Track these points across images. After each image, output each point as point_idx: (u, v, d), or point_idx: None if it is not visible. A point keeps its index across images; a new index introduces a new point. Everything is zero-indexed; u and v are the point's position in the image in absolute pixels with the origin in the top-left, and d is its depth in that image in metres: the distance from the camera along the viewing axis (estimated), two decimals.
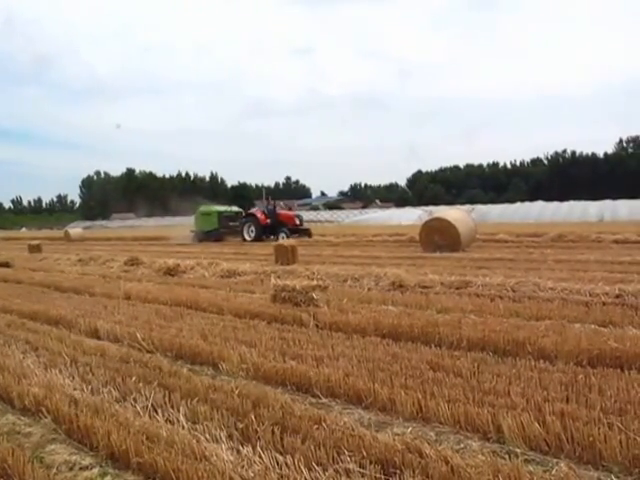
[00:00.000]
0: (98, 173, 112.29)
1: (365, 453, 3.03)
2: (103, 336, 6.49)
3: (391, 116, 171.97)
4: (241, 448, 3.21)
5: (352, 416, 3.79)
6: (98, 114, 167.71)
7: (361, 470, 2.87)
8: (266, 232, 27.54)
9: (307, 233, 27.77)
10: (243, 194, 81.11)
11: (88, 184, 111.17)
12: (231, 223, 30.06)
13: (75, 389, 4.42)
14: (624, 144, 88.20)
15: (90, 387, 4.46)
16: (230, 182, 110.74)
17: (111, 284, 10.90)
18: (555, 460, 3.05)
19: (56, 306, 8.43)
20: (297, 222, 28.37)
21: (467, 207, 47.36)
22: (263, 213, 28.22)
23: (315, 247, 21.53)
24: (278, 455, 3.08)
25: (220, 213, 30.66)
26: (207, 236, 29.11)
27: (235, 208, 32.71)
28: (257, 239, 27.08)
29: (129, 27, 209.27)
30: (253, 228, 27.83)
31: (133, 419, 3.70)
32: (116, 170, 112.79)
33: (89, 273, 13.56)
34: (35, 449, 3.49)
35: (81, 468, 3.23)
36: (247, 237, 27.84)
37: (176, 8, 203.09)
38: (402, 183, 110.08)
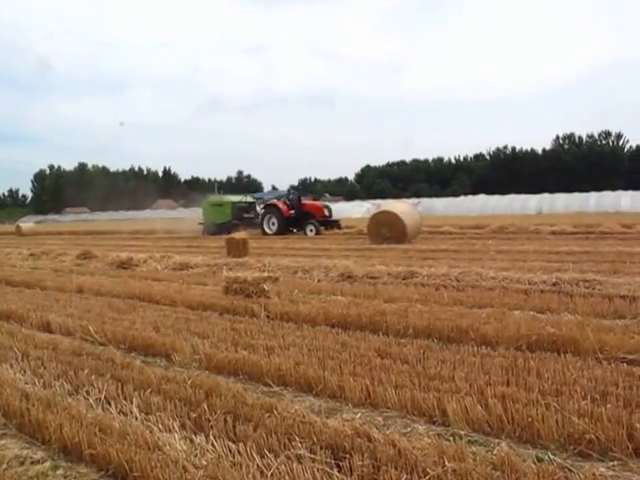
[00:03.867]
0: (51, 167, 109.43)
1: (315, 439, 3.08)
2: (55, 330, 6.37)
3: (341, 113, 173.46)
4: (194, 437, 3.23)
5: (303, 403, 3.85)
6: (51, 108, 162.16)
7: (312, 455, 2.91)
8: (290, 225, 25.06)
9: (337, 225, 25.06)
10: (196, 188, 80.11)
11: (40, 178, 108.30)
12: (245, 215, 27.49)
13: (26, 383, 4.33)
14: (560, 141, 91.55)
15: (42, 381, 4.39)
16: (183, 177, 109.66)
17: (63, 278, 10.65)
18: (497, 440, 3.18)
19: (7, 300, 8.20)
20: (326, 213, 25.38)
21: (413, 200, 48.17)
22: (285, 204, 25.36)
23: (266, 240, 21.48)
24: (231, 443, 3.10)
25: (234, 204, 27.79)
26: (219, 229, 25.31)
27: (249, 198, 29.74)
28: (280, 232, 24.36)
29: (85, 22, 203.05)
30: (275, 220, 25.04)
31: (86, 412, 3.65)
32: (69, 164, 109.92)
33: (41, 267, 13.19)
34: None
35: (32, 462, 3.18)
36: (268, 230, 24.96)
37: (132, 4, 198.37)
38: (351, 177, 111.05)
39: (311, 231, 24.01)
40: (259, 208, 27.39)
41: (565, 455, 3.01)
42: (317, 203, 27.02)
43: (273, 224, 25.15)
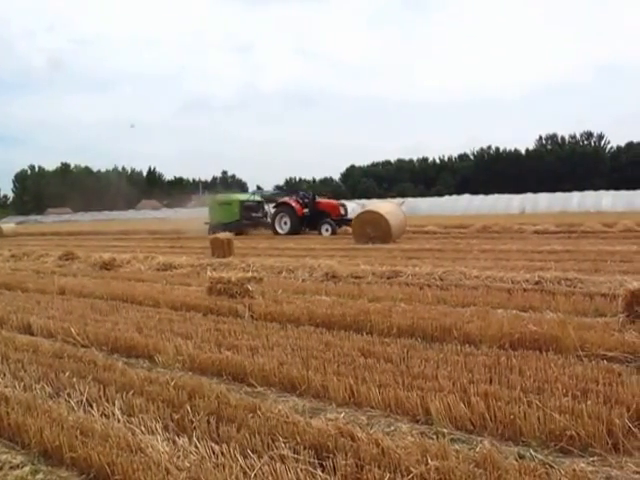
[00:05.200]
0: (32, 167, 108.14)
1: (299, 439, 3.08)
2: (36, 332, 6.29)
3: (326, 113, 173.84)
4: (177, 439, 3.21)
5: (286, 403, 3.84)
6: (32, 107, 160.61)
7: (295, 456, 2.90)
8: (304, 224, 24.06)
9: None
10: (179, 188, 79.76)
11: (21, 179, 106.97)
12: (254, 214, 26.27)
13: (6, 386, 4.26)
14: (543, 141, 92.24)
15: (22, 384, 4.32)
16: (167, 177, 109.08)
17: (45, 279, 10.51)
18: (479, 438, 3.20)
19: None
20: (342, 212, 24.16)
21: (398, 200, 48.19)
22: (298, 202, 24.36)
23: (251, 240, 21.45)
24: (214, 444, 3.09)
25: (242, 202, 26.32)
26: (227, 229, 23.45)
27: (257, 197, 28.31)
28: (293, 232, 23.41)
29: (65, 19, 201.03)
30: (287, 220, 23.98)
31: (67, 414, 3.61)
32: (51, 164, 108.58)
33: (22, 269, 12.99)
34: None
35: (12, 467, 3.14)
36: (280, 230, 23.96)
37: (119, 2, 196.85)
38: (336, 177, 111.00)
39: (327, 230, 22.96)
40: (268, 207, 26.52)
41: (546, 451, 3.04)
42: (332, 201, 25.62)
43: (285, 223, 24.12)
